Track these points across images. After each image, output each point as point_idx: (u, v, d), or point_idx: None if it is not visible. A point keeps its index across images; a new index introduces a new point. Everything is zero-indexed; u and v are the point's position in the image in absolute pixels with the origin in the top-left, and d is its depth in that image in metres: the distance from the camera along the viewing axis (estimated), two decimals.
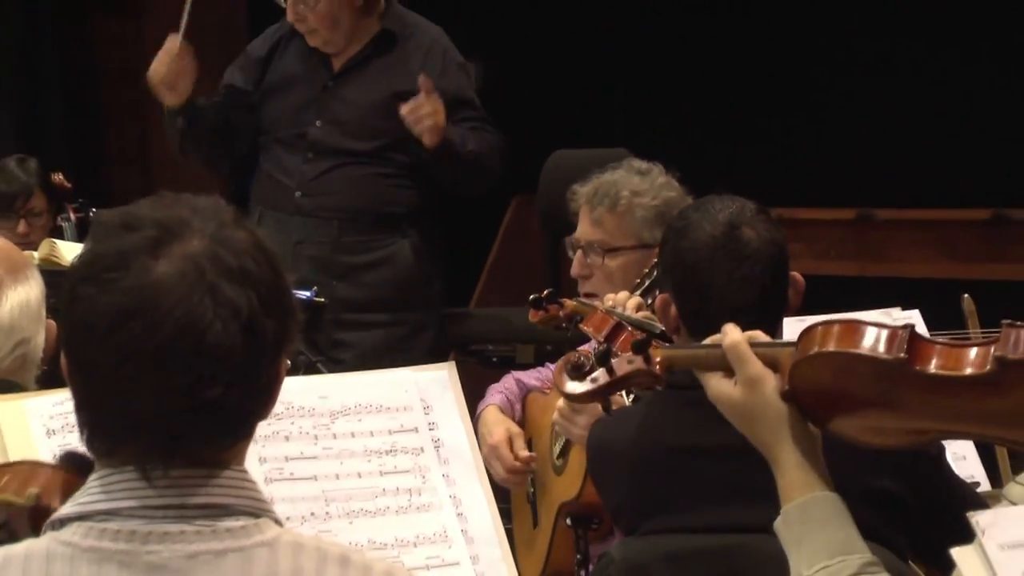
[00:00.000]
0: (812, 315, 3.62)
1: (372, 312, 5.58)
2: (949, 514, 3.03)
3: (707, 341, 2.65)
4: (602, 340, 3.29)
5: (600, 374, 2.72)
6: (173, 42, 5.77)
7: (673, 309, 3.41)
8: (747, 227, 3.36)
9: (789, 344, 2.55)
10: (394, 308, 5.65)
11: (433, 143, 5.48)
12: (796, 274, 3.46)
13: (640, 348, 2.68)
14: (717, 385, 2.58)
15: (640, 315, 3.69)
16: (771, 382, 2.52)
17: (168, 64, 5.76)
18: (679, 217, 3.48)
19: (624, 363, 2.70)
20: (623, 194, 4.37)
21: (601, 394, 2.74)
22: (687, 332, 3.40)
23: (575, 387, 2.75)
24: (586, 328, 3.45)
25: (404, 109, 5.48)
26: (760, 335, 2.61)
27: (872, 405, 2.49)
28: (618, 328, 3.20)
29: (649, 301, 4.00)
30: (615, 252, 4.40)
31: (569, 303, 4.14)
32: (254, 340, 2.08)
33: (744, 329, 2.64)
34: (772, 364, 2.53)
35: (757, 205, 3.43)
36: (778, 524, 2.52)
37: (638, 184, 4.41)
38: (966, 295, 3.84)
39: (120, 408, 2.08)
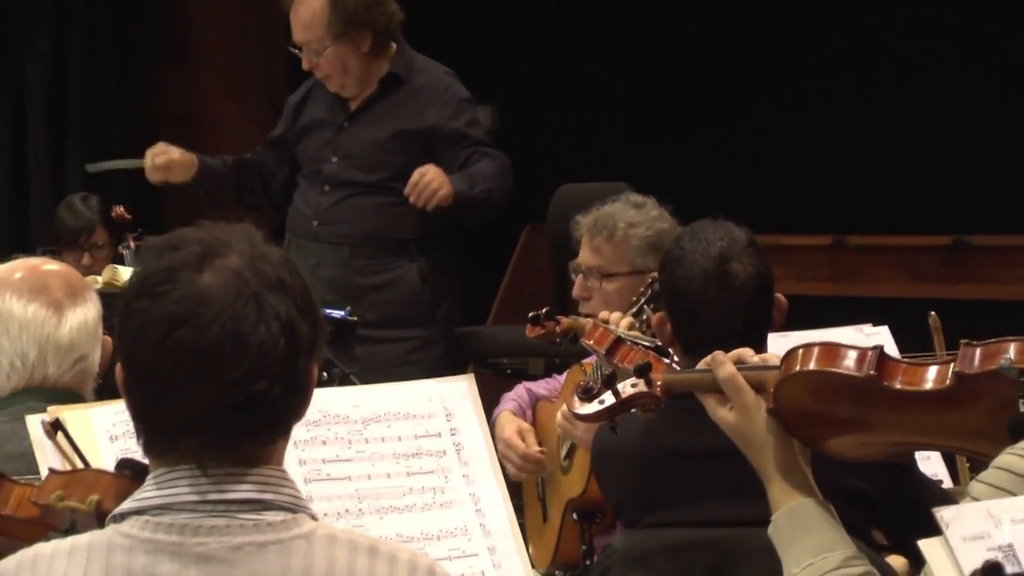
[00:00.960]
0: (794, 330, 3.63)
1: (380, 329, 5.53)
2: (919, 511, 3.04)
3: (700, 365, 2.64)
4: (604, 353, 3.28)
5: (607, 396, 2.71)
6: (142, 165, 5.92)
7: (668, 327, 3.45)
8: (736, 262, 3.40)
9: (774, 368, 2.54)
10: (400, 325, 5.60)
11: (447, 203, 5.46)
12: (780, 296, 3.49)
13: (642, 372, 2.68)
14: (716, 410, 2.58)
15: (632, 333, 3.69)
16: (761, 411, 2.52)
17: (154, 173, 5.88)
18: (676, 246, 3.49)
19: (628, 387, 2.69)
20: (620, 225, 4.39)
21: (609, 415, 2.73)
22: (680, 347, 3.43)
23: (585, 409, 2.74)
24: (587, 342, 3.45)
25: (407, 191, 5.48)
26: (748, 353, 2.60)
27: (847, 419, 2.49)
28: (618, 342, 3.21)
29: (641, 319, 4.03)
30: (612, 277, 4.42)
31: (565, 320, 4.16)
32: (293, 340, 2.10)
33: (730, 350, 2.64)
34: (759, 385, 2.53)
35: (747, 236, 3.45)
36: (771, 531, 2.52)
37: (633, 216, 4.44)
38: (932, 312, 3.82)
39: (176, 407, 2.09)
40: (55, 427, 2.82)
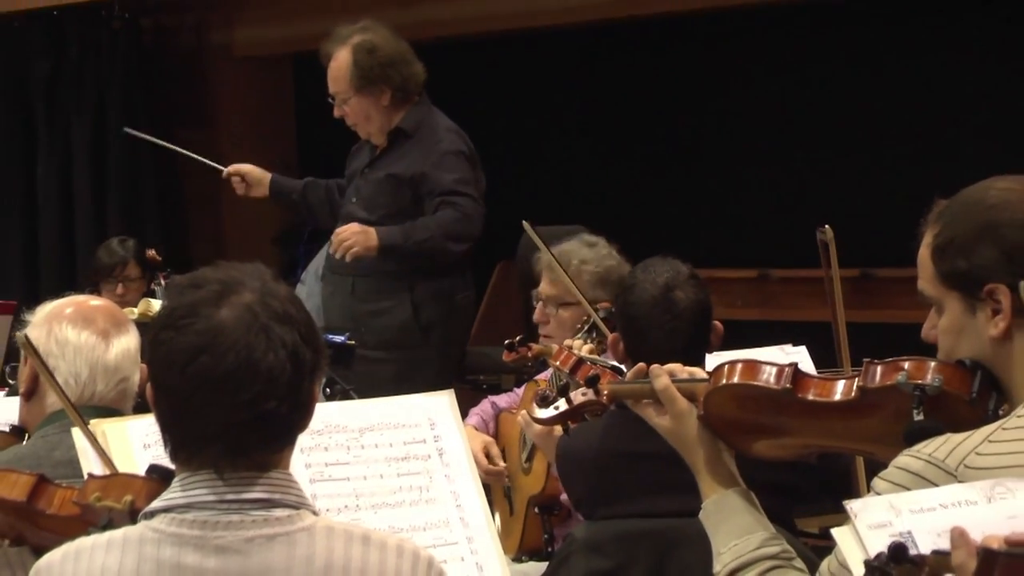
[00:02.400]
0: (727, 350, 3.63)
1: (376, 350, 5.49)
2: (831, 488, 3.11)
3: (633, 375, 2.64)
4: (567, 371, 3.30)
5: (562, 403, 2.72)
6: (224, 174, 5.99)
7: (621, 345, 3.48)
8: (679, 290, 3.45)
9: (703, 380, 2.54)
10: (394, 347, 5.55)
11: (359, 256, 5.42)
12: (717, 323, 3.52)
13: (591, 383, 2.68)
14: (652, 417, 2.57)
15: (591, 356, 3.71)
16: (692, 416, 2.52)
17: (236, 187, 5.95)
18: (630, 276, 3.56)
19: (579, 395, 2.69)
20: (573, 262, 4.40)
21: (563, 418, 2.74)
22: (631, 363, 3.43)
23: (543, 413, 2.75)
24: (555, 363, 3.47)
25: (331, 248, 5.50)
26: (678, 368, 2.60)
27: (767, 425, 2.49)
28: (580, 362, 3.23)
29: (589, 340, 4.05)
30: (566, 305, 4.43)
31: (535, 347, 4.17)
32: (298, 365, 2.10)
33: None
34: (690, 395, 2.53)
35: (689, 270, 3.50)
36: (701, 516, 2.52)
37: (586, 254, 4.46)
38: (826, 226, 3.75)
39: (197, 423, 2.09)
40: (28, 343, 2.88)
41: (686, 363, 3.11)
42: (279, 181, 6.02)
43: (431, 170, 5.53)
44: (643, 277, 3.50)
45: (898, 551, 1.74)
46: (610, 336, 3.62)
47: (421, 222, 5.49)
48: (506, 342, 4.02)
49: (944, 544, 1.90)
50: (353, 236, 5.44)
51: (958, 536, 1.78)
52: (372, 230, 5.45)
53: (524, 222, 4.02)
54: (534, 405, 2.77)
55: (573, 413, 2.71)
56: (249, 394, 2.07)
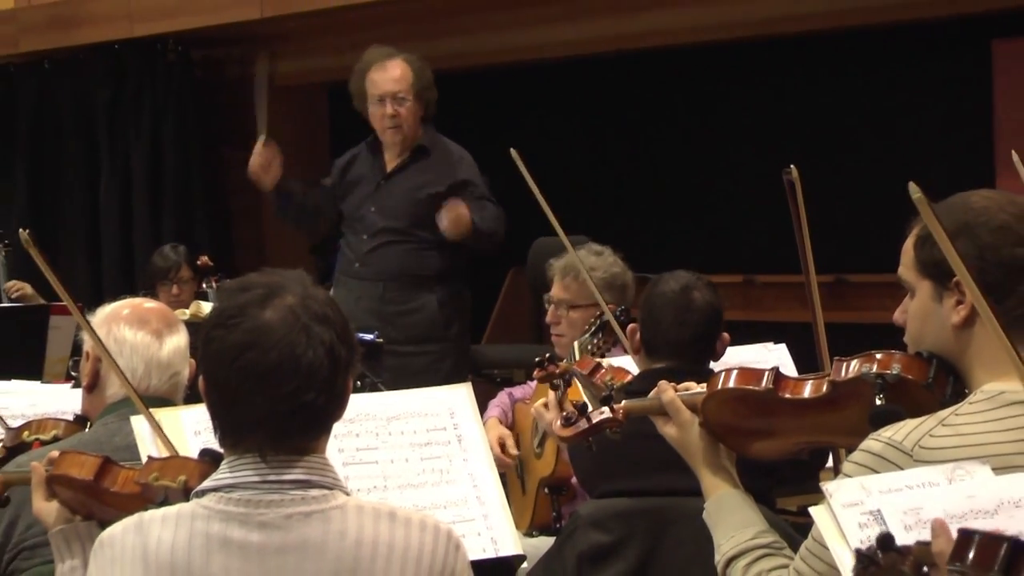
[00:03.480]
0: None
1: (405, 345, 5.47)
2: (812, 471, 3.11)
3: (651, 395, 2.62)
4: (586, 374, 3.39)
5: (582, 422, 2.70)
6: (259, 142, 5.84)
7: (638, 336, 3.52)
8: (697, 291, 3.51)
9: (704, 393, 2.54)
10: (421, 342, 5.54)
11: (462, 232, 5.43)
12: (725, 335, 3.54)
13: (606, 402, 2.68)
14: (662, 427, 2.59)
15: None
16: (695, 425, 2.53)
17: (258, 157, 5.80)
18: (658, 277, 3.60)
19: (598, 414, 2.68)
20: (583, 269, 4.40)
21: (584, 436, 2.72)
22: (644, 350, 3.50)
23: (566, 432, 2.73)
24: (577, 368, 3.54)
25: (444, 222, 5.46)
26: (693, 386, 2.61)
27: (758, 426, 2.50)
28: (597, 367, 3.31)
29: (595, 341, 4.05)
30: (576, 308, 4.47)
31: (562, 365, 4.18)
32: (334, 361, 2.10)
33: (677, 373, 2.65)
34: (693, 406, 2.53)
35: (706, 280, 3.57)
36: (704, 516, 2.53)
37: (594, 261, 4.47)
38: (792, 166, 3.69)
39: (244, 412, 2.09)
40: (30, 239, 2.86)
41: (690, 355, 3.17)
42: (286, 180, 5.87)
43: (473, 176, 5.57)
44: (668, 278, 3.57)
45: (886, 541, 1.72)
46: (628, 327, 3.68)
47: (484, 212, 5.50)
48: (536, 359, 4.01)
49: (911, 522, 1.90)
50: (457, 221, 5.42)
51: (938, 526, 1.77)
52: (468, 214, 5.44)
53: (512, 150, 4.02)
54: (559, 423, 2.74)
55: (593, 431, 2.70)
56: (290, 386, 2.07)
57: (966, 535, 1.61)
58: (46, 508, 2.61)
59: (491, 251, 5.63)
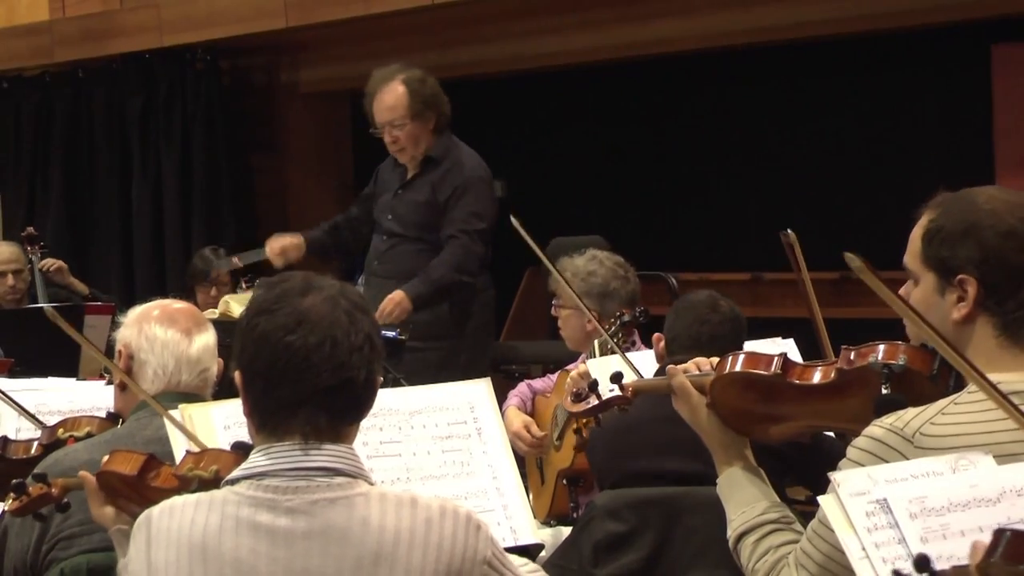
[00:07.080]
0: None
1: (419, 341, 5.42)
2: (822, 462, 3.10)
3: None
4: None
5: (592, 398, 2.72)
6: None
7: (662, 344, 3.66)
8: (722, 301, 3.68)
9: (711, 374, 2.54)
10: (432, 338, 5.50)
11: (403, 319, 5.38)
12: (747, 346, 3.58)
13: (616, 379, 2.69)
14: (675, 404, 2.58)
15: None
16: (703, 406, 2.52)
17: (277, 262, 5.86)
18: (691, 292, 3.83)
19: (607, 391, 2.70)
20: (579, 274, 4.52)
21: (594, 412, 2.75)
22: (667, 354, 3.62)
23: (577, 407, 2.76)
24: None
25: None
26: (703, 362, 2.61)
27: (765, 409, 2.48)
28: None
29: (615, 338, 4.08)
30: (565, 308, 4.60)
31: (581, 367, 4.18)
32: (372, 346, 2.13)
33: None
34: (701, 388, 2.53)
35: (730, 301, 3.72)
36: (717, 490, 2.53)
37: (595, 268, 4.53)
38: (788, 230, 3.73)
39: (286, 395, 2.10)
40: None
41: (708, 353, 3.15)
42: (312, 238, 5.92)
43: (454, 202, 5.51)
44: (699, 291, 3.75)
45: (921, 562, 1.68)
46: (654, 336, 3.77)
47: (433, 264, 5.49)
48: (574, 390, 4.03)
49: (916, 510, 1.89)
50: (393, 310, 5.39)
51: (975, 549, 1.75)
52: (400, 296, 5.41)
53: (512, 218, 4.01)
54: (569, 399, 2.79)
55: (603, 407, 2.73)
56: (333, 363, 2.09)
57: (999, 532, 1.59)
58: (103, 513, 2.66)
59: (464, 287, 5.54)
